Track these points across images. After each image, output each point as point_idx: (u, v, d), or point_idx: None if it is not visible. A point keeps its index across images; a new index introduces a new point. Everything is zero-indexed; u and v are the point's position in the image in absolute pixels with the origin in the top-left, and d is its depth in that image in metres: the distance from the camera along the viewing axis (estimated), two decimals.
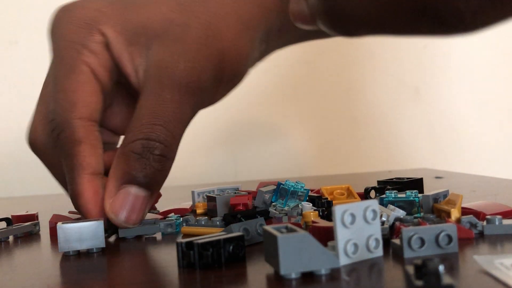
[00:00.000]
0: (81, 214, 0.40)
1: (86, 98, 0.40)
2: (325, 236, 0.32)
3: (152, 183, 0.38)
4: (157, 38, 0.40)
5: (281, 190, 0.44)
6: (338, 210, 0.28)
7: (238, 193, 0.48)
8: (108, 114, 0.45)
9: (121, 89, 0.44)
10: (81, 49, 0.40)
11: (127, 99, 0.45)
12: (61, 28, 0.41)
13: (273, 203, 0.44)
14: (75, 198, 0.40)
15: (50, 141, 0.41)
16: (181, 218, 0.43)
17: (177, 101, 0.38)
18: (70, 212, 0.49)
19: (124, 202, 0.38)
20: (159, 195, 0.54)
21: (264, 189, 0.45)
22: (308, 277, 0.27)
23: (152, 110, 0.38)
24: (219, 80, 0.41)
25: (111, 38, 0.41)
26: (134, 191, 0.38)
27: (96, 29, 0.41)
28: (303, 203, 0.43)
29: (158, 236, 0.42)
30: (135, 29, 0.41)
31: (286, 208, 0.43)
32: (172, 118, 0.38)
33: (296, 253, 0.26)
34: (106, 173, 0.41)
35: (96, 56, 0.40)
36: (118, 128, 0.47)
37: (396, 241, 0.31)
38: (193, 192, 0.54)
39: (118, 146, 0.48)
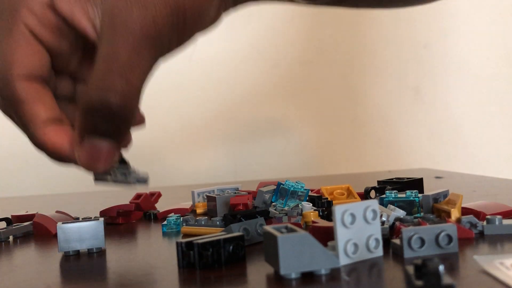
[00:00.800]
0: (57, 160, 0.40)
1: (24, 59, 0.39)
2: (325, 236, 0.32)
3: (115, 133, 0.38)
4: None
5: (281, 190, 0.44)
6: (338, 210, 0.28)
7: (238, 193, 0.48)
8: (83, 67, 0.45)
9: (90, 42, 0.43)
10: (20, 9, 0.40)
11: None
12: None
13: (273, 203, 0.44)
14: (42, 149, 0.40)
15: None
16: (181, 218, 0.43)
17: (132, 47, 0.37)
18: (57, 212, 0.49)
19: (88, 152, 0.38)
20: (159, 195, 0.54)
21: (264, 189, 0.45)
22: (308, 277, 0.27)
23: (106, 58, 0.37)
24: (181, 22, 0.39)
25: None
26: (97, 142, 0.38)
27: None
28: (303, 203, 0.43)
29: (159, 233, 0.42)
30: None
31: (286, 208, 0.43)
32: (128, 65, 0.37)
33: (296, 253, 0.26)
34: None
35: (36, 16, 0.40)
36: None
37: (396, 241, 0.31)
38: (193, 192, 0.54)
39: None
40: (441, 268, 0.22)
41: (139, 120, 0.47)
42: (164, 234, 0.42)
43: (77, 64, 0.44)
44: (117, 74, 0.37)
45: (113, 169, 0.41)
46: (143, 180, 0.41)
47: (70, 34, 0.41)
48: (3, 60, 0.40)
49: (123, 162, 0.45)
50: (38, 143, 0.40)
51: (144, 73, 0.38)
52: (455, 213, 0.36)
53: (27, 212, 0.52)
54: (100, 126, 0.37)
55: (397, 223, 0.34)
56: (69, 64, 0.44)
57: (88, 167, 0.38)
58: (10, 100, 0.40)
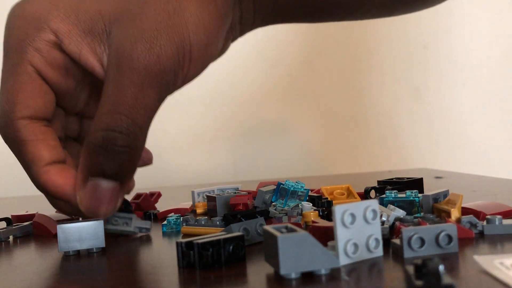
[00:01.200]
0: (59, 204, 0.40)
1: (28, 99, 0.39)
2: (325, 236, 0.32)
3: (119, 174, 0.37)
4: (115, 21, 0.39)
5: (281, 190, 0.44)
6: (338, 210, 0.28)
7: (238, 193, 0.48)
8: (91, 104, 0.45)
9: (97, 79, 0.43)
10: (26, 48, 0.39)
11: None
12: (11, 25, 0.40)
13: (273, 203, 0.44)
14: (43, 190, 0.40)
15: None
16: (181, 218, 0.43)
17: (137, 86, 0.37)
18: (57, 212, 0.49)
19: (91, 195, 0.37)
20: (159, 195, 0.54)
21: (264, 189, 0.45)
22: (308, 277, 0.27)
23: (112, 98, 0.37)
24: (186, 59, 0.39)
25: (64, 33, 0.39)
26: (101, 183, 0.37)
27: (46, 26, 0.39)
28: (303, 203, 0.43)
29: (159, 233, 0.42)
30: (91, 18, 0.39)
31: (286, 208, 0.43)
32: (133, 105, 0.36)
33: (296, 253, 0.26)
34: None
35: (42, 55, 0.39)
36: None
37: (396, 241, 0.31)
38: (193, 192, 0.54)
39: None
40: (441, 268, 0.22)
41: (147, 159, 0.47)
42: (164, 234, 0.42)
43: (85, 102, 0.44)
44: (122, 114, 0.36)
45: (115, 218, 0.41)
46: (146, 229, 0.42)
47: (77, 72, 0.41)
48: (7, 100, 0.39)
49: (126, 210, 0.45)
50: (39, 184, 0.39)
51: (149, 112, 0.38)
52: (455, 213, 0.36)
53: (27, 212, 0.52)
54: (105, 166, 0.37)
55: (397, 223, 0.34)
56: (77, 103, 0.44)
57: (90, 210, 0.37)
58: (12, 140, 0.39)
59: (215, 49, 0.41)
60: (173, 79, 0.38)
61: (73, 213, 0.42)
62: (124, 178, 0.38)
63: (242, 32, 0.46)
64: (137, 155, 0.38)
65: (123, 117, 0.36)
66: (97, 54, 0.39)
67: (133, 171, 0.39)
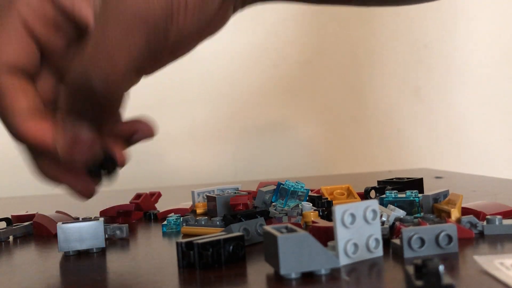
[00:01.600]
0: (39, 163, 0.40)
1: (10, 51, 0.39)
2: (325, 236, 0.32)
3: (97, 120, 0.37)
4: None
5: (281, 190, 0.44)
6: (338, 210, 0.28)
7: (238, 193, 0.48)
8: None
9: None
10: (16, 1, 0.39)
11: None
12: None
13: (273, 203, 0.44)
14: (23, 141, 0.39)
15: None
16: (181, 218, 0.43)
17: (122, 28, 0.35)
18: (57, 212, 0.49)
19: (69, 139, 0.37)
20: (159, 195, 0.54)
21: (264, 189, 0.45)
22: (308, 277, 0.27)
23: (94, 40, 0.35)
24: (181, 5, 0.36)
25: None
26: (79, 128, 0.37)
27: None
28: (303, 203, 0.43)
29: (159, 233, 0.42)
30: None
31: (286, 208, 0.43)
32: (115, 45, 0.35)
33: (296, 253, 0.26)
34: None
35: (32, 9, 0.39)
36: None
37: (396, 241, 0.31)
38: (193, 192, 0.54)
39: None
40: (441, 268, 0.22)
41: (146, 130, 0.46)
42: (164, 234, 0.42)
43: None
44: (103, 54, 0.35)
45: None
46: (120, 231, 0.41)
47: (68, 28, 0.40)
48: None
49: (109, 162, 0.44)
50: (19, 135, 0.39)
51: (132, 58, 0.35)
52: (455, 213, 0.36)
53: (27, 212, 0.52)
54: (82, 107, 0.36)
55: (397, 223, 0.34)
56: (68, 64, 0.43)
57: (67, 155, 0.37)
58: None
59: (211, 3, 0.38)
60: (163, 26, 0.36)
61: (50, 174, 0.41)
62: (102, 125, 0.37)
63: (243, 3, 0.45)
64: (115, 101, 0.37)
65: (103, 58, 0.35)
66: (91, 4, 0.39)
67: (111, 116, 0.38)
